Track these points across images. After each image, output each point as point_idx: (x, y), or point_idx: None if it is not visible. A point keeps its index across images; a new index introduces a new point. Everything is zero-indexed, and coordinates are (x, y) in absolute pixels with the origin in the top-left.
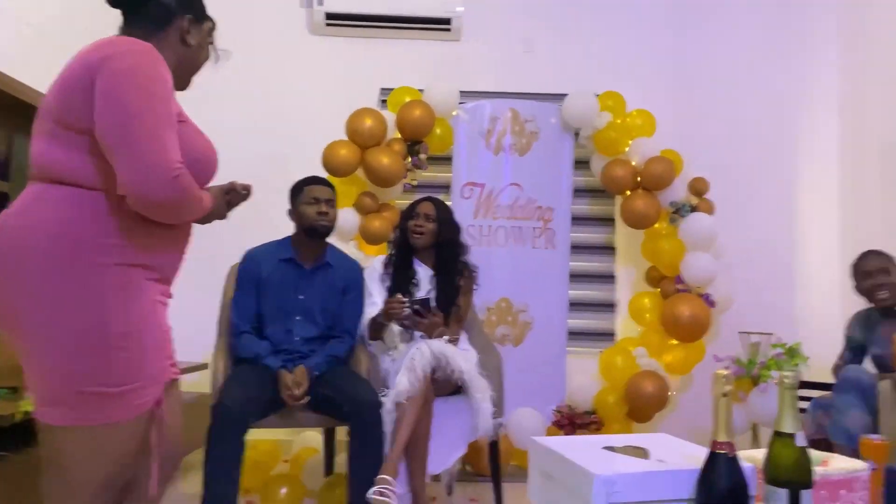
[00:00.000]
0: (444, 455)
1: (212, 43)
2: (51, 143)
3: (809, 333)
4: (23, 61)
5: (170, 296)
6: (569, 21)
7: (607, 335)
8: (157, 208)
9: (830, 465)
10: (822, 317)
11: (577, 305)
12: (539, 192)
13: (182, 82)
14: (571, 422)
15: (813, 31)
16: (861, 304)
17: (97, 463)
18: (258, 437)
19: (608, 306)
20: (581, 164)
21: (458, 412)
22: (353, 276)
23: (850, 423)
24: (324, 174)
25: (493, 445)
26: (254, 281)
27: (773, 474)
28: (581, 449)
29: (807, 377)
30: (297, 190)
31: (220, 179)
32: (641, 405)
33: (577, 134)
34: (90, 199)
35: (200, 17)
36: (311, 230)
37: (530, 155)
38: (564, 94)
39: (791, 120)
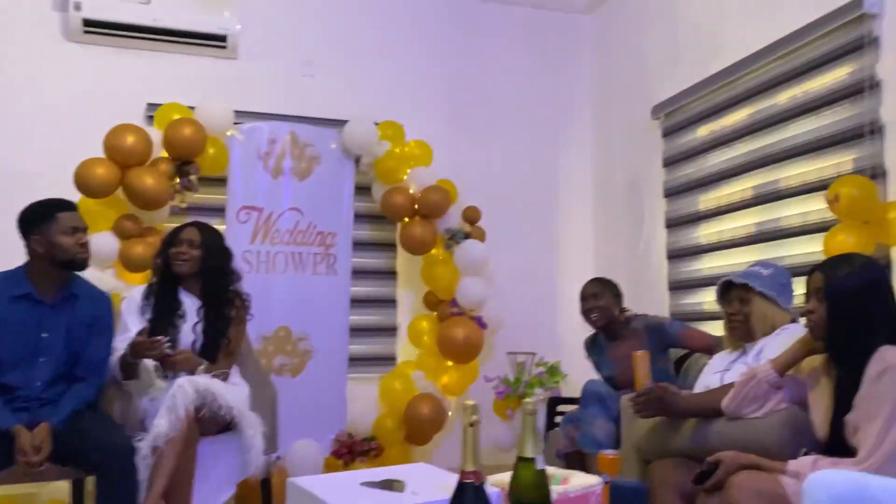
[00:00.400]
0: (210, 498)
1: None
2: None
3: (570, 352)
4: None
5: None
6: (350, 47)
7: (389, 360)
8: None
9: (570, 482)
10: (580, 336)
11: (358, 331)
12: (320, 218)
13: None
14: (351, 450)
15: (572, 65)
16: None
17: None
18: None
19: (390, 330)
20: (362, 189)
21: (226, 451)
22: (100, 308)
23: (596, 432)
24: (76, 195)
25: (265, 482)
26: None
27: (516, 497)
28: (339, 487)
29: (567, 394)
30: (46, 216)
31: None
32: (419, 428)
33: (357, 160)
34: None
35: None
36: (70, 263)
37: (311, 179)
38: (345, 121)
39: (553, 155)
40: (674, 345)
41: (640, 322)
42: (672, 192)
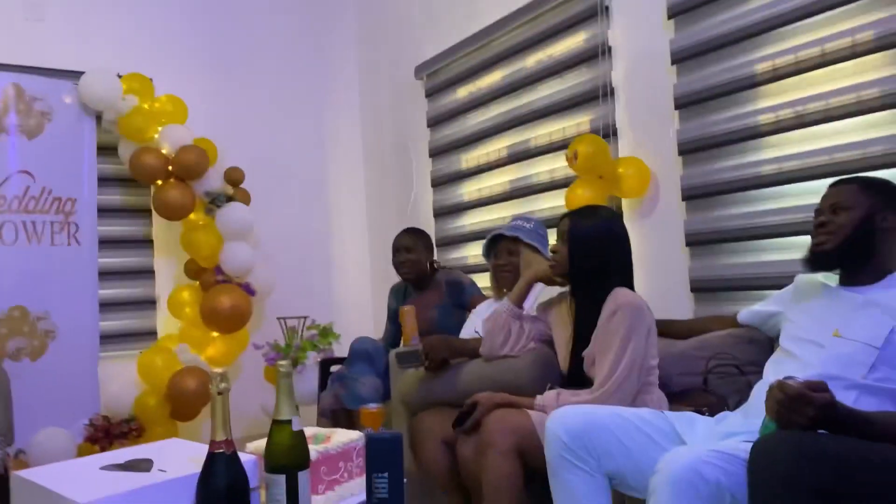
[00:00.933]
0: None
1: None
2: None
3: (346, 312)
4: None
5: None
6: None
7: (149, 334)
8: None
9: (332, 440)
10: (356, 296)
11: (111, 306)
12: (56, 182)
13: None
14: (108, 433)
15: (336, 23)
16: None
17: None
18: None
19: (148, 303)
20: (107, 150)
21: None
22: None
23: (362, 390)
24: None
25: (2, 480)
26: None
27: (273, 462)
28: (72, 474)
29: (340, 354)
30: None
31: None
32: (184, 403)
33: (99, 117)
34: None
35: None
36: None
37: (42, 138)
38: (81, 72)
39: (321, 116)
40: (465, 306)
41: (443, 275)
42: (437, 153)
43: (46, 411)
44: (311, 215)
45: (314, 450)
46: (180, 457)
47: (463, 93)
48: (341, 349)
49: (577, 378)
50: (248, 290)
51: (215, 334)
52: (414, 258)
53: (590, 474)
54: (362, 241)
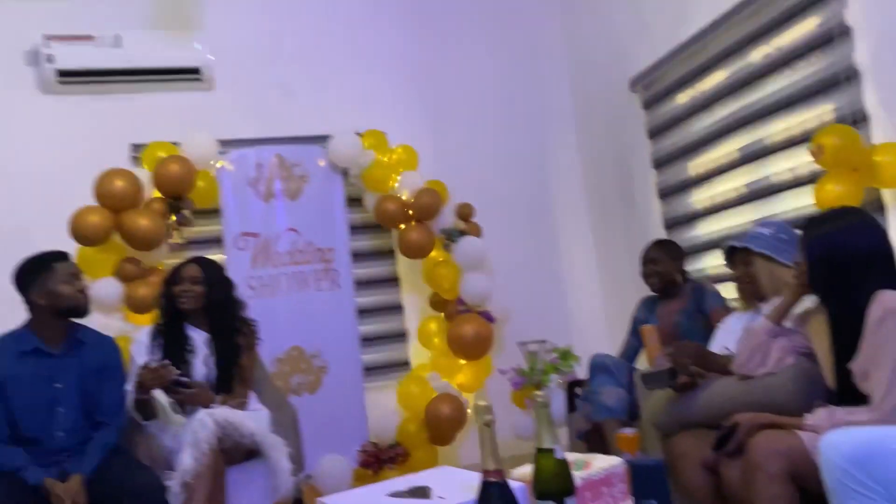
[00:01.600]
0: None
1: None
2: None
3: (580, 332)
4: None
5: None
6: (324, 62)
7: (403, 365)
8: None
9: (592, 466)
10: (588, 315)
11: (369, 340)
12: (316, 234)
13: None
14: (378, 459)
15: (543, 48)
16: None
17: None
18: None
19: (400, 336)
20: (354, 201)
21: (255, 477)
22: (107, 352)
23: (605, 400)
24: (72, 245)
25: (298, 503)
26: None
27: (541, 489)
28: (367, 500)
29: (583, 375)
30: (43, 268)
31: None
32: (441, 428)
33: (345, 173)
34: None
35: None
36: (74, 311)
37: (303, 198)
38: (328, 136)
39: (537, 140)
40: (706, 312)
41: (689, 284)
42: (661, 163)
43: (325, 439)
44: (538, 238)
45: (577, 476)
46: (453, 484)
47: (683, 98)
48: (583, 371)
49: (847, 393)
50: (488, 318)
51: (462, 361)
52: (661, 269)
53: None
54: (589, 259)
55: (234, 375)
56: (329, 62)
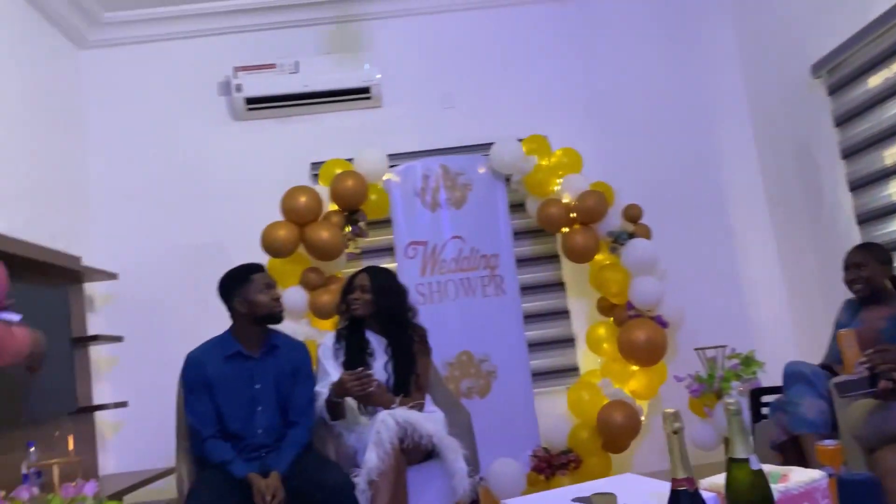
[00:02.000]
0: None
1: None
2: None
3: (763, 337)
4: None
5: None
6: (484, 72)
7: (571, 370)
8: None
9: (790, 479)
10: (773, 319)
11: (536, 346)
12: (481, 241)
13: None
14: (550, 464)
15: (712, 40)
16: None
17: None
18: None
19: (567, 342)
20: (517, 207)
21: (433, 478)
22: (299, 356)
23: (806, 412)
24: (264, 257)
25: None
26: (203, 383)
27: (735, 500)
28: None
29: (768, 382)
30: (242, 279)
31: (170, 277)
32: (615, 436)
33: (508, 179)
34: None
35: None
36: (270, 318)
37: (467, 206)
38: (490, 144)
39: (707, 132)
40: None
41: None
42: (851, 152)
43: (496, 443)
44: (713, 239)
45: (775, 489)
46: (640, 492)
47: (875, 81)
48: (767, 377)
49: None
50: (661, 323)
51: (635, 368)
52: (867, 275)
53: None
54: (771, 259)
55: (410, 379)
56: (490, 72)
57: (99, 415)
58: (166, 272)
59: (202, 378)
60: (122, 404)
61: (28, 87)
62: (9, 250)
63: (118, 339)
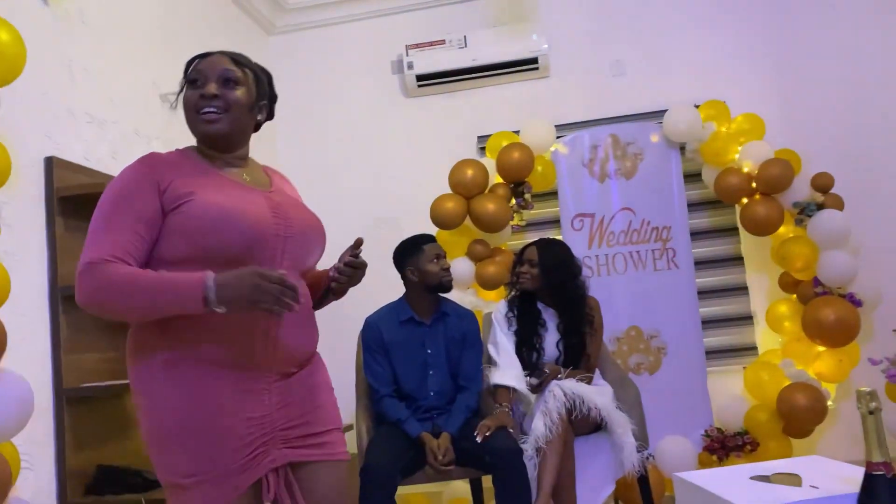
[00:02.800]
0: (592, 495)
1: (189, 82)
2: None
3: None
4: None
5: (259, 382)
6: (656, 36)
7: (748, 349)
8: (80, 302)
9: None
10: None
11: (711, 323)
12: (653, 213)
13: (196, 134)
14: (723, 445)
15: None
16: None
17: None
18: (408, 490)
19: (745, 319)
20: (692, 176)
21: (601, 450)
22: (468, 324)
23: None
24: (433, 229)
25: (643, 480)
26: (380, 345)
27: None
28: (728, 481)
29: None
30: (415, 249)
31: (338, 246)
32: (797, 420)
33: (682, 148)
34: None
35: (185, 76)
36: (439, 287)
37: (637, 177)
38: (663, 111)
39: None
40: None
41: None
42: None
43: (666, 420)
44: None
45: None
46: (827, 475)
47: None
48: None
49: None
50: (853, 301)
51: (821, 349)
52: None
53: None
54: None
55: (580, 352)
56: (662, 34)
57: None
58: (345, 244)
59: (379, 340)
60: None
61: None
62: None
63: None
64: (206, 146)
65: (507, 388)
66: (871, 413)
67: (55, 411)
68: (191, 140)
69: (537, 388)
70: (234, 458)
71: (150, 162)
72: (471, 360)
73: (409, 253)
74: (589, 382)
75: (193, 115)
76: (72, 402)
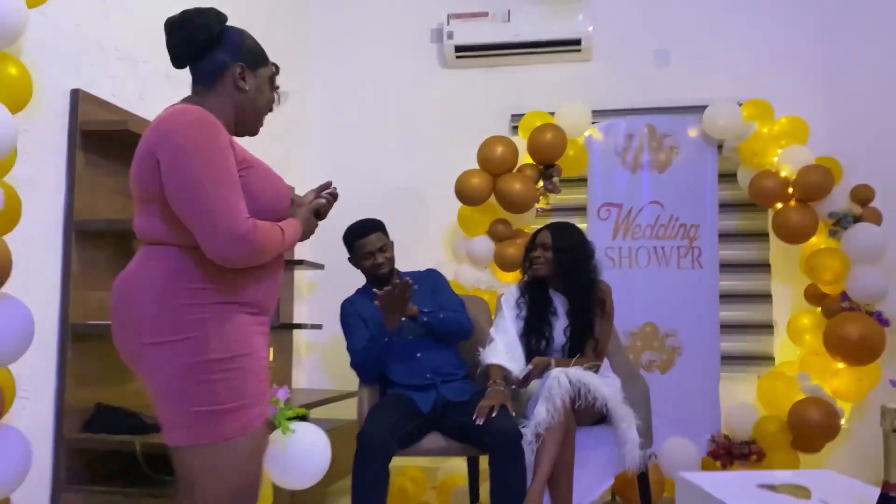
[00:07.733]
0: (589, 487)
1: (275, 87)
2: (140, 215)
3: None
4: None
5: (268, 326)
6: (704, 28)
7: (765, 358)
8: (237, 264)
9: None
10: None
11: (729, 328)
12: (682, 210)
13: (248, 127)
14: (728, 452)
15: None
16: None
17: (219, 478)
18: (404, 462)
19: (765, 327)
20: (727, 177)
21: (602, 442)
22: (431, 279)
23: None
24: (456, 204)
25: (643, 477)
26: (358, 319)
27: None
28: (734, 487)
29: None
30: (349, 246)
31: (372, 215)
32: (808, 434)
33: (720, 145)
34: (177, 255)
35: (255, 64)
36: (377, 281)
37: (670, 171)
38: (704, 106)
39: None
40: None
41: None
42: None
43: (672, 421)
44: None
45: None
46: (838, 491)
47: None
48: None
49: None
50: (881, 320)
51: (840, 365)
52: None
53: None
54: None
55: (587, 340)
56: (712, 26)
57: (297, 332)
58: (367, 210)
59: (355, 314)
60: (318, 326)
61: (267, 25)
62: None
63: (320, 266)
64: (237, 133)
65: (499, 366)
66: (894, 431)
67: (59, 345)
68: None
69: (522, 384)
70: (261, 388)
71: (217, 123)
72: (450, 300)
73: (347, 247)
74: (597, 372)
75: (263, 114)
76: (77, 337)
